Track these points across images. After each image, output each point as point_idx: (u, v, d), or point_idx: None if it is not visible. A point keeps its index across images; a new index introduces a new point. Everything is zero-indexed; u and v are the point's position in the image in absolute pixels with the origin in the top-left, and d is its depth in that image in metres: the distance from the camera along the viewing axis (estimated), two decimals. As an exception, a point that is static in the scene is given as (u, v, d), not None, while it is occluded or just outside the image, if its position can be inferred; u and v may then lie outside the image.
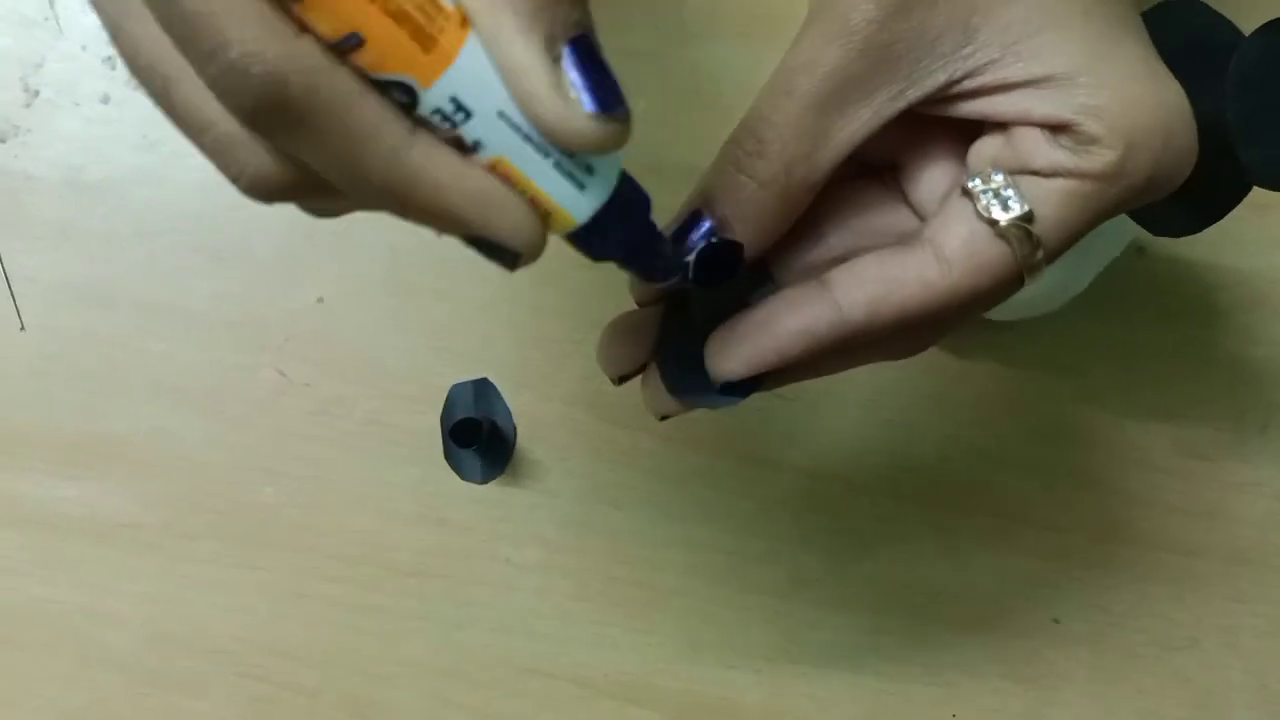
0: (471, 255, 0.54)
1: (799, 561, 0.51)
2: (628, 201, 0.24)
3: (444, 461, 0.51)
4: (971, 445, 0.53)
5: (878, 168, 0.31)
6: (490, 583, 0.50)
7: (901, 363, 0.52)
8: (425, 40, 0.20)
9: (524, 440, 0.51)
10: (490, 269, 0.54)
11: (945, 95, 0.27)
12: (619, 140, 0.22)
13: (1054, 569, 0.52)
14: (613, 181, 0.24)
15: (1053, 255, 0.28)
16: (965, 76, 0.27)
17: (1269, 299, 0.53)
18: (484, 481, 0.51)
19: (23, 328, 0.51)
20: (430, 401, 0.51)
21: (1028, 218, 0.27)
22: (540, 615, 0.50)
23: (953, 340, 0.53)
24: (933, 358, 0.53)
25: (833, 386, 0.52)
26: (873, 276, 0.27)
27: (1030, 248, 0.27)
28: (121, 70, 0.52)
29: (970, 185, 0.27)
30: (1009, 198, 0.27)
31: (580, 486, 0.51)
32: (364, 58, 0.20)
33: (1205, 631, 0.52)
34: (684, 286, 0.28)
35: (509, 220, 0.22)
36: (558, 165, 0.22)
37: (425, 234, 0.54)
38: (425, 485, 0.51)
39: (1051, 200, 0.27)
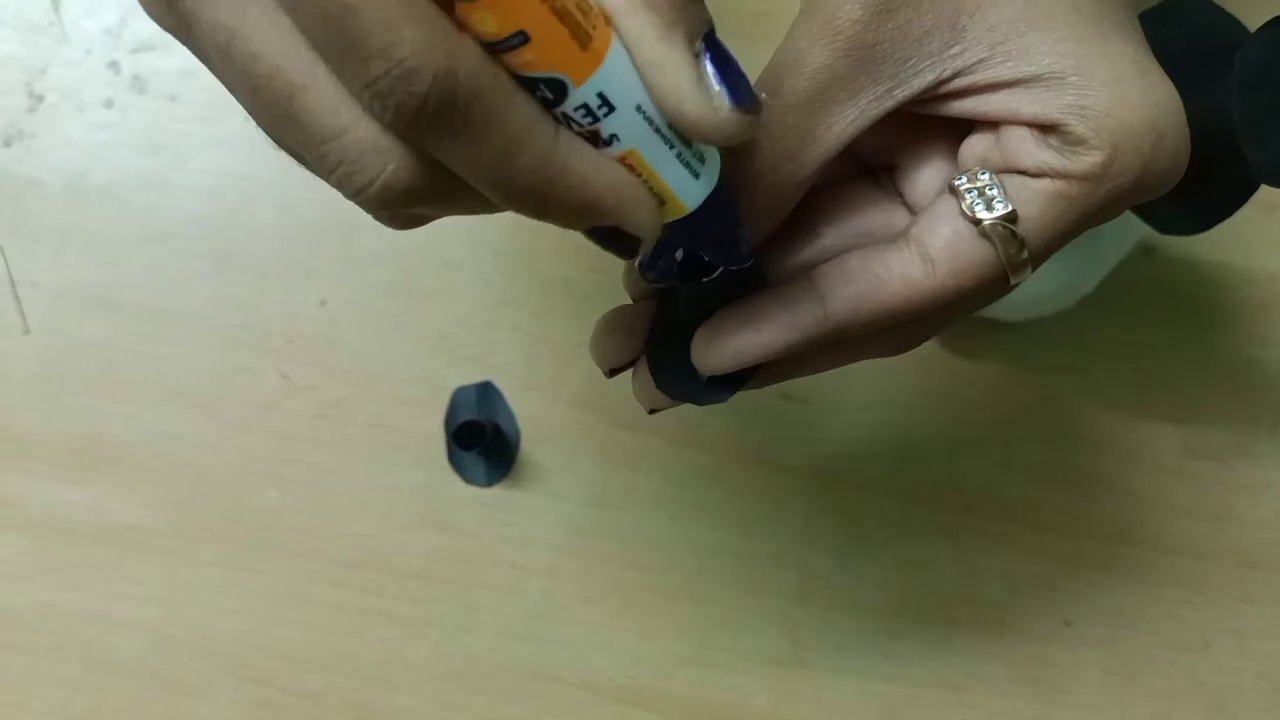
0: (473, 259, 0.54)
1: (808, 564, 0.51)
2: (725, 191, 0.25)
3: (448, 465, 0.51)
4: (981, 447, 0.52)
5: (874, 168, 0.31)
6: (495, 586, 0.50)
7: (910, 364, 0.52)
8: (583, 38, 0.20)
9: (528, 443, 0.51)
10: (491, 272, 0.54)
11: (934, 95, 0.27)
12: (753, 131, 0.22)
13: (1064, 572, 0.52)
14: (717, 171, 0.25)
15: (1038, 256, 0.27)
16: (954, 76, 0.27)
17: (1278, 299, 0.53)
18: (488, 484, 0.51)
19: (27, 331, 0.51)
20: (434, 404, 0.51)
21: (1011, 218, 0.27)
22: (546, 619, 0.50)
23: (961, 342, 0.53)
24: (941, 359, 0.52)
25: (841, 388, 0.52)
26: (857, 274, 0.27)
27: (1015, 248, 0.27)
28: (125, 75, 0.52)
29: (957, 184, 0.27)
30: (994, 197, 0.27)
31: (586, 489, 0.51)
32: (522, 56, 0.20)
33: (1217, 634, 0.51)
34: (671, 283, 0.28)
35: (641, 209, 0.23)
36: (679, 156, 0.23)
37: (428, 237, 0.54)
38: (429, 489, 0.51)
39: (1037, 201, 0.27)
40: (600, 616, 0.50)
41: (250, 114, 0.22)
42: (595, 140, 0.22)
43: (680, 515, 0.51)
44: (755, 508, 0.51)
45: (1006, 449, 0.52)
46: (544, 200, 0.21)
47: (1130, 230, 0.46)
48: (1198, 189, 0.37)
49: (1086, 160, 0.26)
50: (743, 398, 0.52)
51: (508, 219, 0.52)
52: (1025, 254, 0.27)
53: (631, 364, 0.32)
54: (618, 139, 0.22)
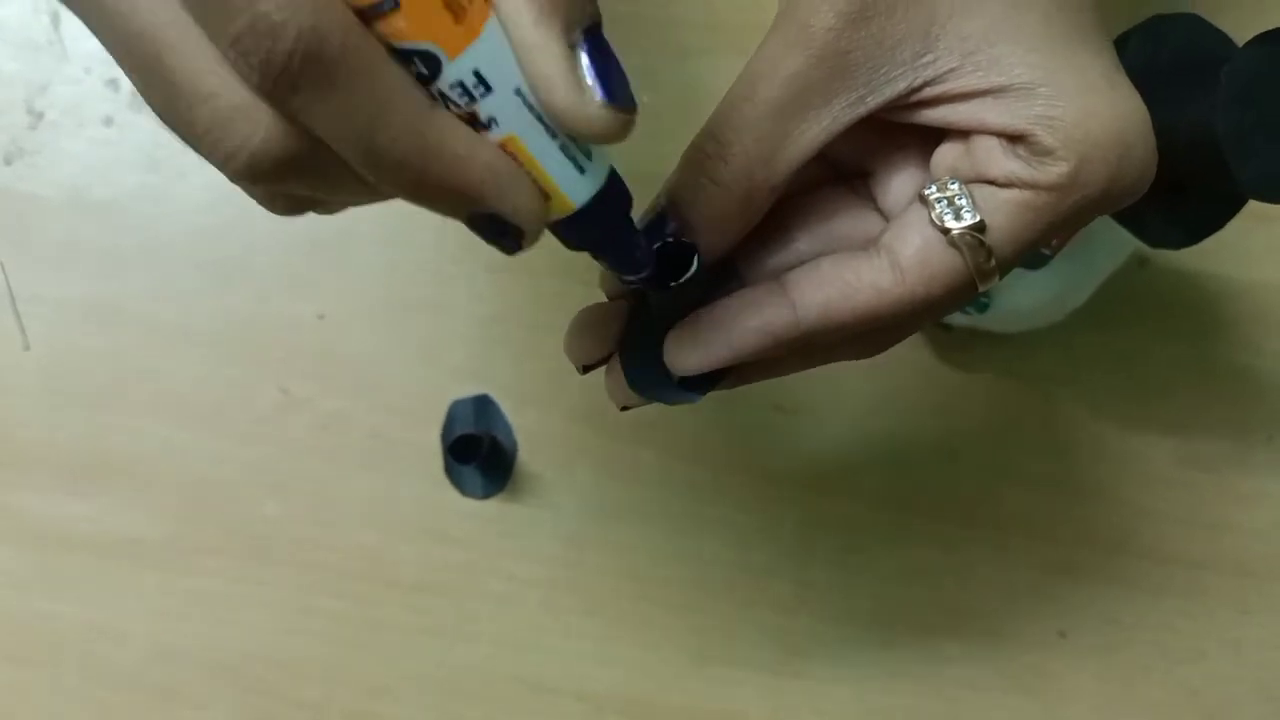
0: (469, 273, 0.54)
1: (803, 575, 0.51)
2: (615, 193, 0.25)
3: (445, 477, 0.51)
4: (975, 458, 0.52)
5: (849, 174, 0.31)
6: (493, 598, 0.51)
7: (904, 376, 0.52)
8: (456, 10, 0.20)
9: (525, 456, 0.51)
10: (487, 286, 0.54)
11: (907, 103, 0.28)
12: (626, 131, 0.22)
13: (1059, 582, 0.52)
14: (605, 171, 0.24)
15: (1006, 264, 0.28)
16: (925, 84, 0.27)
17: (1272, 310, 0.53)
18: (485, 497, 0.51)
19: (28, 346, 0.51)
20: (431, 417, 0.51)
21: (979, 227, 0.27)
22: (543, 630, 0.51)
23: (956, 354, 0.53)
24: (935, 371, 0.53)
25: (835, 400, 0.52)
26: (829, 280, 0.28)
27: (983, 256, 0.27)
28: (124, 92, 0.53)
29: (927, 193, 0.28)
30: (962, 207, 0.27)
31: (582, 501, 0.51)
32: (393, 24, 0.20)
33: (1212, 644, 0.52)
34: (646, 284, 0.28)
35: (520, 198, 0.22)
36: (563, 149, 0.23)
37: (424, 250, 0.54)
38: (427, 501, 0.51)
39: (1005, 210, 0.27)
40: (597, 628, 0.51)
41: (131, 80, 0.22)
42: (474, 123, 0.22)
43: (676, 527, 0.51)
44: (751, 519, 0.52)
45: (1001, 460, 0.52)
46: (417, 178, 0.21)
47: (1123, 243, 0.46)
48: (1186, 203, 0.37)
49: (1053, 171, 0.27)
50: (737, 409, 0.52)
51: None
52: (993, 262, 0.27)
53: (604, 362, 0.32)
54: (496, 123, 0.22)
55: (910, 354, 0.53)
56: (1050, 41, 0.27)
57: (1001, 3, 0.27)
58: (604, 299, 0.32)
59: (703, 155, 0.28)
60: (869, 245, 0.28)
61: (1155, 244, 0.39)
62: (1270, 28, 0.34)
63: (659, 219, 0.28)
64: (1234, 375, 0.53)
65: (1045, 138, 0.26)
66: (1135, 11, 0.36)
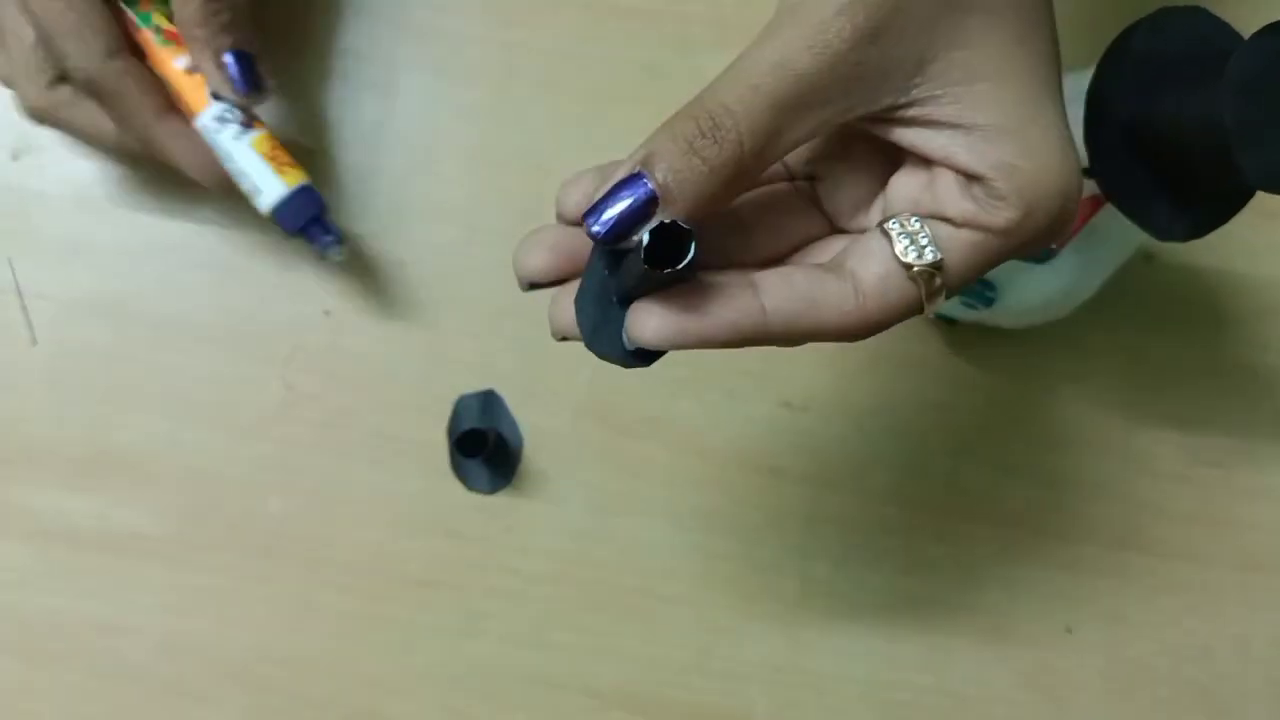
0: (476, 268, 0.53)
1: (808, 571, 0.51)
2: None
3: (451, 472, 0.51)
4: (981, 454, 0.52)
5: (796, 173, 0.33)
6: (499, 593, 0.51)
7: (910, 372, 0.52)
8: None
9: (531, 451, 0.51)
10: (494, 281, 0.54)
11: (884, 117, 0.29)
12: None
13: (1066, 578, 0.52)
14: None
15: (950, 294, 0.30)
16: (909, 104, 0.29)
17: (1278, 306, 0.53)
18: (491, 492, 0.51)
19: (35, 342, 0.51)
20: (437, 413, 0.51)
21: (938, 265, 0.29)
22: (549, 625, 0.51)
23: (962, 349, 0.53)
24: (942, 366, 0.53)
25: (841, 395, 0.52)
26: (798, 293, 0.29)
27: (936, 287, 0.29)
28: (132, 87, 0.53)
29: (889, 227, 0.29)
30: (925, 246, 0.29)
31: (588, 496, 0.51)
32: None
33: (1219, 640, 0.51)
34: (641, 265, 0.28)
35: None
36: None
37: (431, 247, 0.54)
38: (433, 496, 0.51)
39: (958, 248, 0.29)
40: (602, 623, 0.51)
41: None
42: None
43: (682, 522, 0.51)
44: (756, 515, 0.52)
45: (1007, 455, 0.52)
46: None
47: (1129, 237, 0.46)
48: (1192, 196, 0.37)
49: (1003, 216, 0.28)
50: (744, 405, 0.52)
51: (511, 232, 0.52)
52: (942, 294, 0.30)
53: (552, 284, 0.32)
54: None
55: (916, 350, 0.53)
56: (1029, 92, 0.29)
57: (1002, 39, 0.29)
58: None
59: (696, 131, 0.28)
60: (833, 268, 0.30)
61: (1162, 237, 0.39)
62: (1277, 20, 0.34)
63: (634, 176, 0.28)
64: (1240, 371, 0.53)
65: (1001, 184, 0.28)
66: (1141, 4, 0.36)
